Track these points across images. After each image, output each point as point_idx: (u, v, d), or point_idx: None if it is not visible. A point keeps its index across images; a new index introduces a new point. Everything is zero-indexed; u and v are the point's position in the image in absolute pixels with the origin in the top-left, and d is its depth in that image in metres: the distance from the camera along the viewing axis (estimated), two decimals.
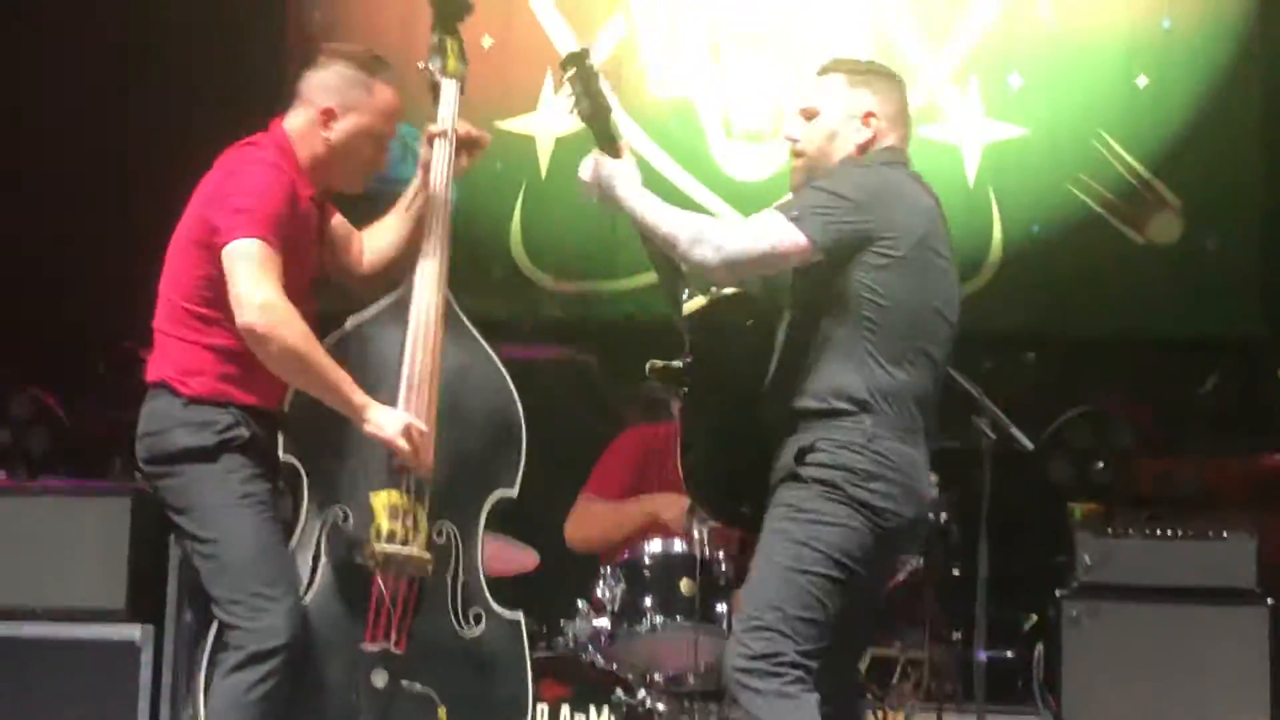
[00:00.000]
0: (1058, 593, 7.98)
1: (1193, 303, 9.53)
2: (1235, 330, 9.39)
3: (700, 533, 6.67)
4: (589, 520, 7.52)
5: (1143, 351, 9.57)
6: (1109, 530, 8.05)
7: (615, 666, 6.60)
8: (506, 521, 7.00)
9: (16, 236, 10.08)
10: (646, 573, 6.72)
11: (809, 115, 5.50)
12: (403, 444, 4.80)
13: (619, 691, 6.54)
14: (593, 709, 6.63)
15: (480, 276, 9.65)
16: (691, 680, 6.61)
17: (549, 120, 9.81)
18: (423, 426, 4.86)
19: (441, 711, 4.31)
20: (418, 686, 4.36)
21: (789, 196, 5.38)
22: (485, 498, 4.55)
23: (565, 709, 6.65)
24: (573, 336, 9.43)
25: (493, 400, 4.69)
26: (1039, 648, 8.16)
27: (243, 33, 9.99)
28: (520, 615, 4.75)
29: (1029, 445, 7.21)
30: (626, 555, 6.84)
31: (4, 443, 9.44)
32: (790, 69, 9.74)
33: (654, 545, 6.79)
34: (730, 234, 5.23)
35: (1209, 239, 9.50)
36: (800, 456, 5.08)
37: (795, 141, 5.51)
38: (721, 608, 6.65)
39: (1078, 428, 9.13)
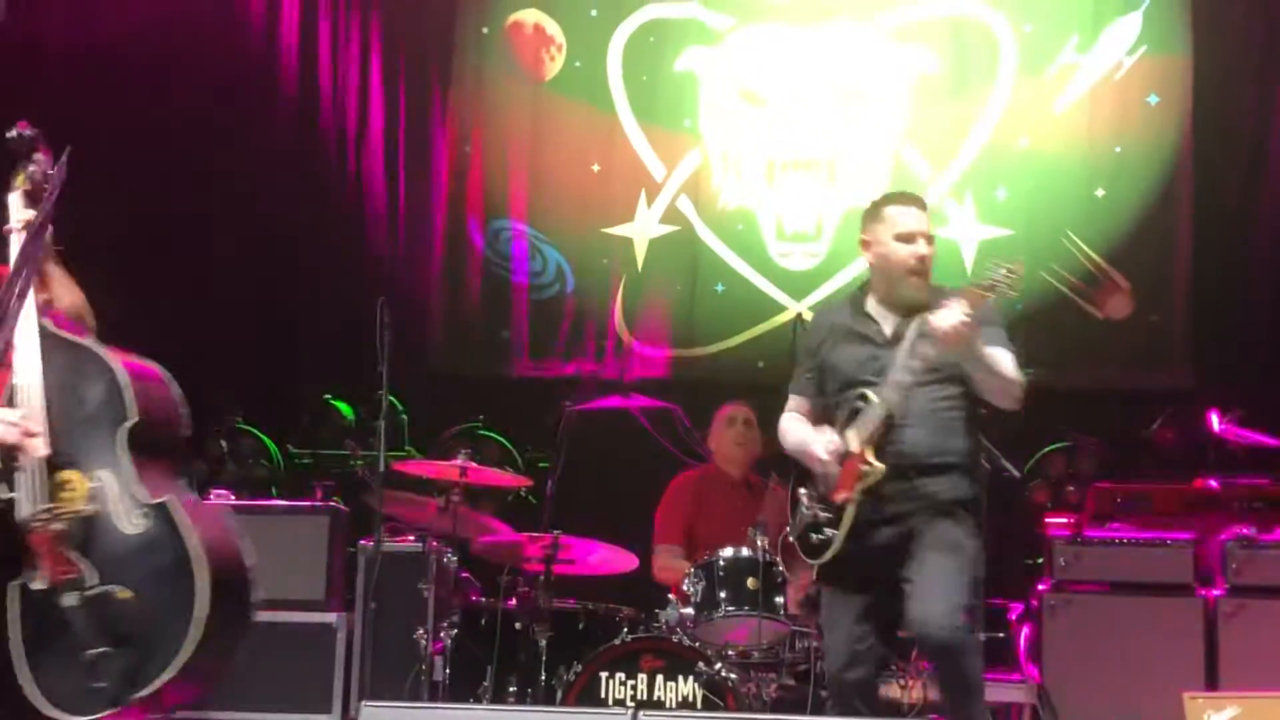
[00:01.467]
0: (1040, 588, 7.88)
1: (1140, 363, 9.49)
2: (1172, 383, 9.33)
3: (762, 542, 6.61)
4: (664, 569, 7.37)
5: (1103, 399, 9.53)
6: (1078, 539, 7.97)
7: (697, 644, 6.50)
8: (612, 530, 6.99)
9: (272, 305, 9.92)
10: (720, 572, 6.65)
11: (930, 240, 5.48)
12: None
13: (700, 664, 6.42)
14: (680, 678, 6.47)
15: (586, 344, 9.70)
16: (756, 655, 6.66)
17: (643, 227, 9.69)
18: (13, 418, 4.34)
19: (122, 593, 4.05)
20: (99, 588, 4.08)
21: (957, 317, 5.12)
22: (115, 433, 4.27)
23: (659, 678, 6.49)
24: (660, 390, 9.16)
25: (94, 373, 4.36)
26: (1024, 630, 8.01)
27: None
28: (169, 498, 4.28)
29: (1016, 474, 7.11)
30: (705, 558, 6.73)
31: (234, 473, 9.22)
32: (827, 186, 9.72)
33: (726, 551, 6.69)
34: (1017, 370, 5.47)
35: (1152, 314, 9.41)
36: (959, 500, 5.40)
37: (925, 259, 5.44)
38: (779, 599, 6.66)
39: (1053, 459, 9.16)
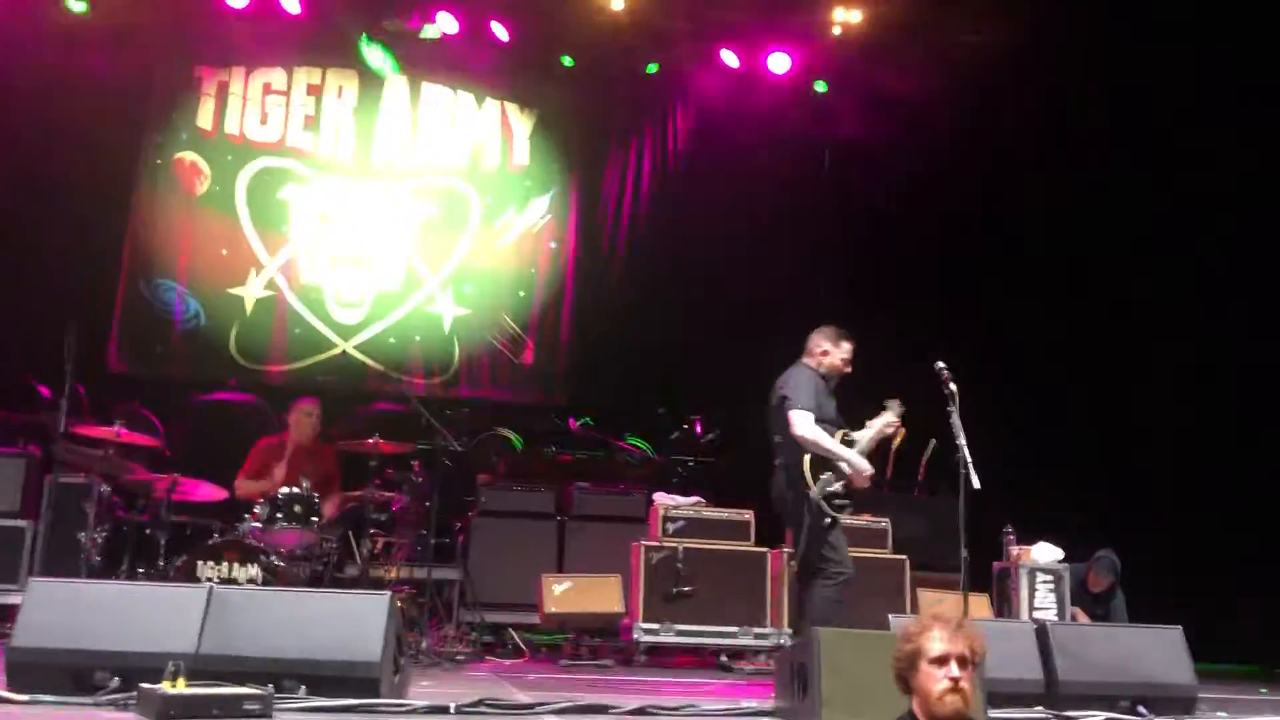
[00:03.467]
0: (469, 515, 7.86)
1: (537, 388, 9.68)
2: (554, 401, 9.50)
3: (307, 483, 6.51)
4: (243, 489, 7.03)
5: (518, 409, 9.48)
6: (499, 488, 8.06)
7: (262, 544, 6.27)
8: (218, 471, 6.85)
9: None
10: (280, 500, 6.42)
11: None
12: None
13: (262, 556, 6.19)
14: (249, 566, 6.16)
15: (213, 359, 9.20)
16: (298, 552, 6.41)
17: (252, 290, 9.37)
18: None
19: None
20: None
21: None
22: None
23: (236, 565, 6.14)
24: (258, 390, 8.88)
25: None
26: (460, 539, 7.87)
27: None
28: None
29: (459, 448, 7.27)
30: (273, 493, 6.50)
31: None
32: (368, 274, 9.53)
33: (284, 489, 6.48)
34: None
35: (546, 361, 9.71)
36: None
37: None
38: (315, 519, 6.44)
39: (490, 442, 8.85)
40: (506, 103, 9.96)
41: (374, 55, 9.69)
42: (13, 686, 3.97)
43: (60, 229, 8.94)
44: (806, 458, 5.39)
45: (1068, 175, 9.04)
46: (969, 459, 5.11)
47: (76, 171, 8.97)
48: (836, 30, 9.60)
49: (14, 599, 6.46)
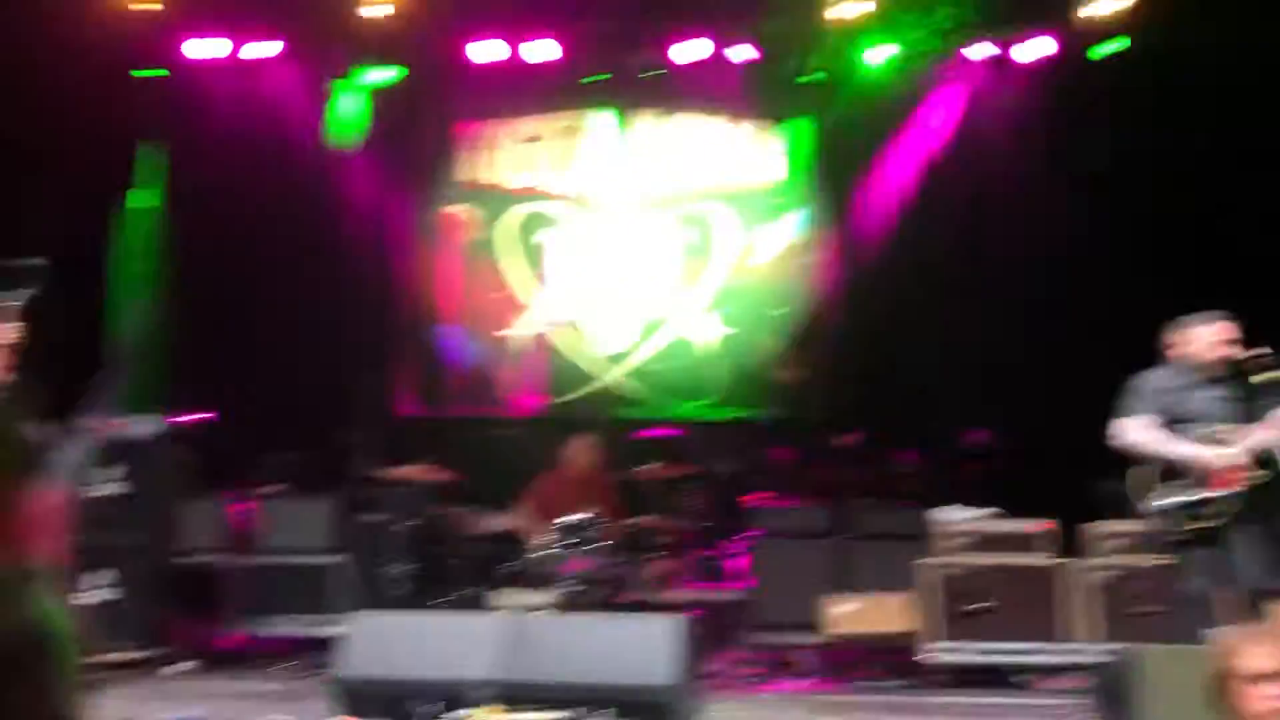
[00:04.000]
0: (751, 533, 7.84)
1: (804, 405, 9.45)
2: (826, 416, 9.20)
3: (587, 513, 6.73)
4: (520, 521, 7.28)
5: (788, 422, 9.44)
6: (771, 510, 7.90)
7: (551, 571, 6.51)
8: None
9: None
10: (564, 528, 6.63)
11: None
12: None
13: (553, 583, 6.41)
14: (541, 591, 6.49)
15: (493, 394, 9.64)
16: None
17: (517, 331, 9.80)
18: None
19: None
20: None
21: None
22: None
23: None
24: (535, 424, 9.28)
25: None
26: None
27: None
28: None
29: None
30: (557, 521, 6.71)
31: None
32: (628, 305, 9.76)
33: (568, 517, 6.69)
34: None
35: (812, 378, 9.52)
36: None
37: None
38: (598, 544, 6.63)
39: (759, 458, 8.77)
40: (756, 122, 9.97)
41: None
42: (355, 712, 4.24)
43: (350, 287, 9.63)
44: (1133, 471, 4.92)
45: None
46: None
47: (358, 233, 9.65)
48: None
49: (332, 631, 6.97)
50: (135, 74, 9.09)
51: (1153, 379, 5.00)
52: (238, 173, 9.08)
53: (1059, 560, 6.85)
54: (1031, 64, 9.43)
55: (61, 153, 8.01)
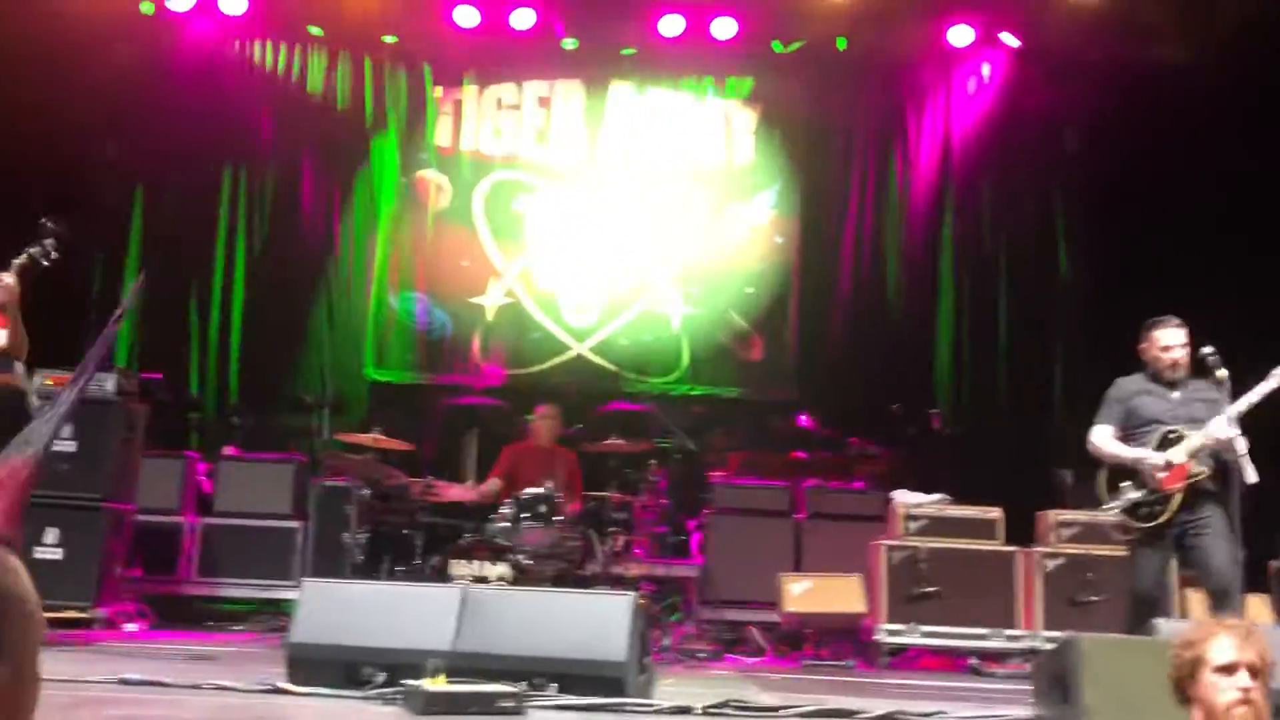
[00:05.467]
0: (706, 512, 7.87)
1: (768, 384, 9.52)
2: (784, 396, 9.28)
3: (550, 484, 6.67)
4: (486, 490, 7.28)
5: (748, 405, 9.48)
6: (727, 485, 7.98)
7: (510, 543, 6.44)
8: (467, 474, 7.05)
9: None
10: (525, 500, 6.60)
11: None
12: None
13: (510, 555, 6.37)
14: (498, 563, 6.33)
15: (457, 365, 9.61)
16: (543, 550, 6.55)
17: (492, 299, 9.70)
18: None
19: None
20: None
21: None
22: None
23: (487, 564, 6.30)
24: (498, 394, 9.21)
25: None
26: (696, 535, 7.97)
27: None
28: None
29: (694, 447, 7.19)
30: (519, 493, 6.67)
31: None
32: (600, 280, 9.73)
33: (530, 489, 6.65)
34: None
35: (774, 358, 9.58)
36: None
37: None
38: (558, 518, 6.58)
39: (717, 438, 8.88)
40: (729, 99, 9.90)
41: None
42: (292, 679, 4.23)
43: (317, 250, 9.56)
44: (1101, 474, 5.11)
45: None
46: (1244, 449, 4.71)
47: (322, 194, 9.57)
48: None
49: (287, 594, 6.94)
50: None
51: (1121, 385, 5.21)
52: (198, 135, 9.01)
53: (1012, 547, 6.91)
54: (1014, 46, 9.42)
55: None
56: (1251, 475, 4.68)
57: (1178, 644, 2.86)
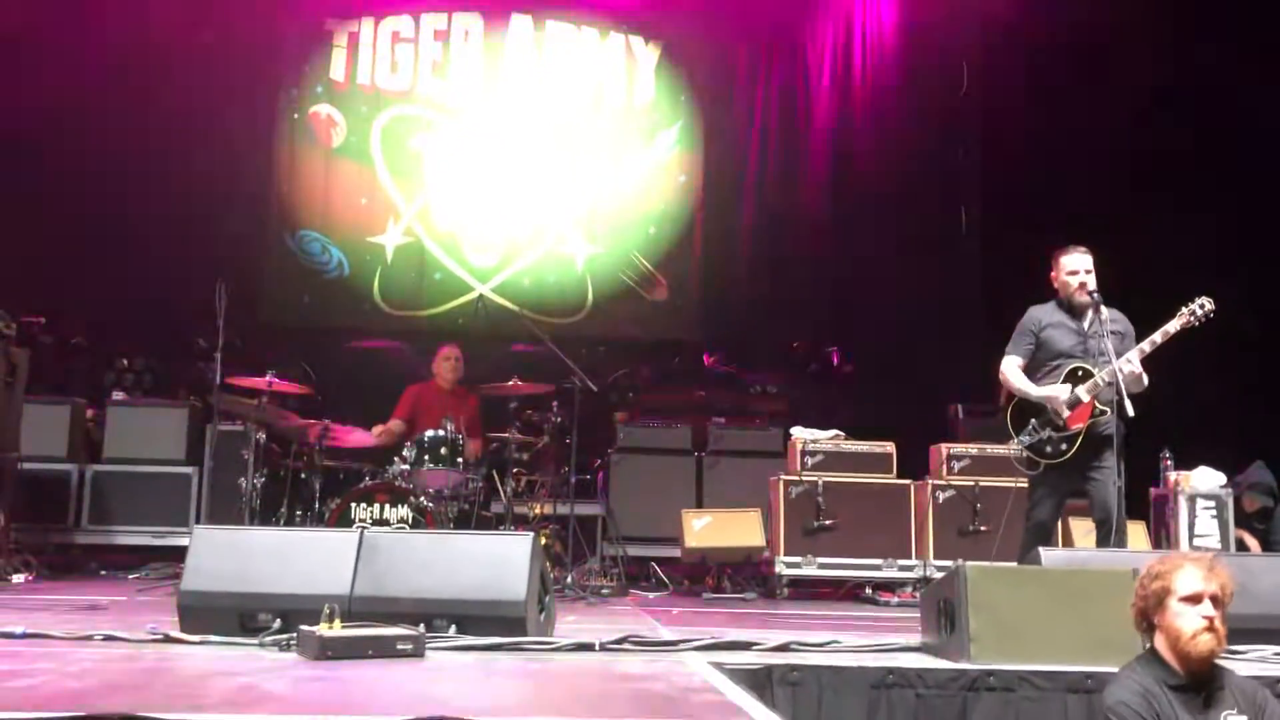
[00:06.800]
0: (609, 451, 7.90)
1: (671, 325, 9.59)
2: (686, 336, 9.46)
3: (451, 425, 6.60)
4: (388, 431, 7.20)
5: (651, 345, 9.53)
6: (631, 424, 8.07)
7: (410, 485, 6.46)
8: (369, 418, 7.00)
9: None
10: (427, 443, 6.57)
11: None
12: None
13: (411, 498, 6.36)
14: (400, 506, 6.38)
15: (355, 307, 9.41)
16: (445, 492, 6.57)
17: (391, 238, 9.53)
18: None
19: None
20: None
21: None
22: None
23: (387, 507, 6.35)
24: (398, 336, 9.10)
25: None
26: (600, 474, 7.99)
27: None
28: None
29: (594, 388, 7.17)
30: (420, 434, 6.65)
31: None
32: (503, 220, 9.57)
33: (431, 431, 6.62)
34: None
35: (677, 298, 9.59)
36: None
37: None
38: (460, 460, 6.56)
39: (620, 379, 8.94)
40: (630, 35, 9.80)
41: None
42: (184, 628, 4.14)
43: (204, 187, 9.22)
44: (1009, 407, 5.19)
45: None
46: (1122, 382, 4.87)
47: (216, 131, 9.22)
48: None
49: (183, 541, 6.78)
50: None
51: (1033, 314, 5.28)
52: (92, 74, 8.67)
53: (905, 480, 7.09)
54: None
55: None
56: (1130, 410, 4.80)
57: (1143, 575, 3.05)
